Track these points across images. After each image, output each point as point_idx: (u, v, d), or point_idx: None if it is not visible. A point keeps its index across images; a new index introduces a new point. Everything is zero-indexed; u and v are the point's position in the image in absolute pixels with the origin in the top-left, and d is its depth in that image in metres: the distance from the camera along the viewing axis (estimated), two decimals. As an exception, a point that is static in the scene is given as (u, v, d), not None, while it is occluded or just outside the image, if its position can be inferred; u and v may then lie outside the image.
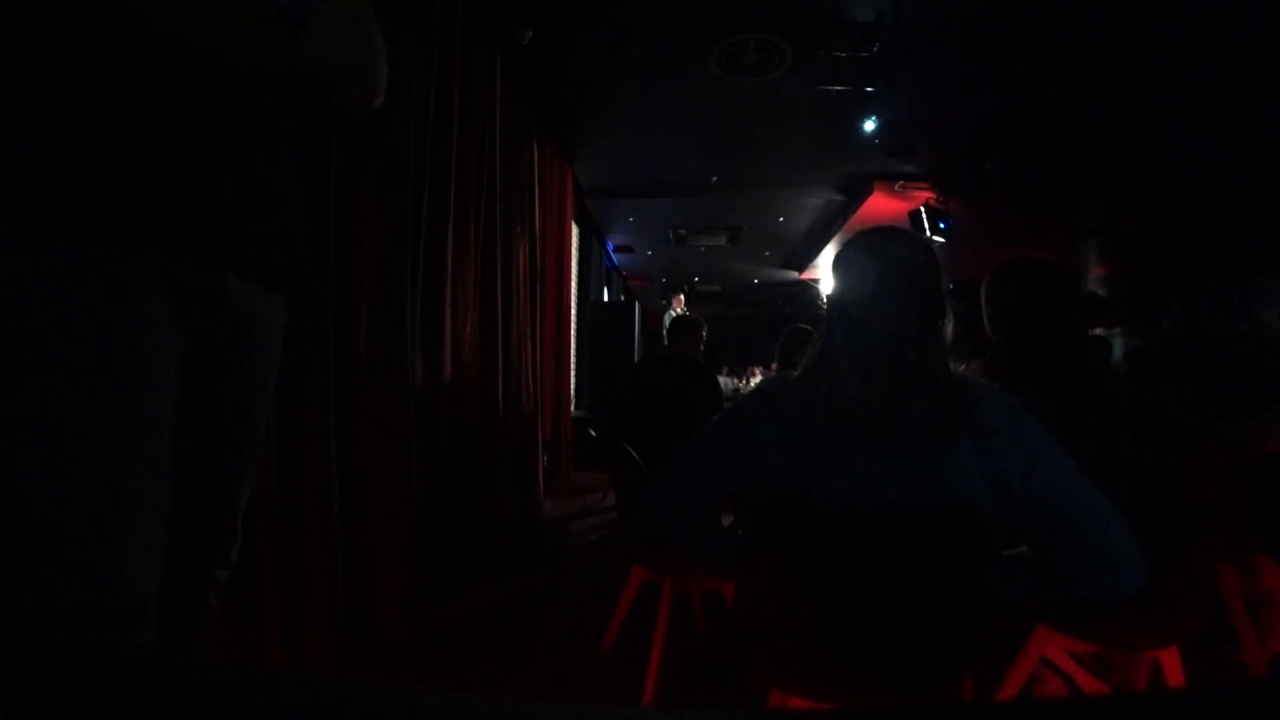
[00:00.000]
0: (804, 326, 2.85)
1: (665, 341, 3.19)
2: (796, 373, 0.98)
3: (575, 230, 5.78)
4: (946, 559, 0.89)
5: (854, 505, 0.87)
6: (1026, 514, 0.87)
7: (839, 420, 0.88)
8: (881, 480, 0.87)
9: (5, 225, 0.66)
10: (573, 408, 5.52)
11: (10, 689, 0.29)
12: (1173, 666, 1.27)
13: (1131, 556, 0.84)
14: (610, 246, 8.29)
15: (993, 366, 1.46)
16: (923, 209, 5.56)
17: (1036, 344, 1.40)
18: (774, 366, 3.14)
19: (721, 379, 6.77)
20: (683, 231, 7.41)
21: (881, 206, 5.81)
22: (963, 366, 1.02)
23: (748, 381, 7.30)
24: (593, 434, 4.13)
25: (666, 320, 6.36)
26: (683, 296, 6.99)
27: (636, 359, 5.66)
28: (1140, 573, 0.85)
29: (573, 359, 5.81)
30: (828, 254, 7.97)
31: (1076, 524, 0.85)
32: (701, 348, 3.18)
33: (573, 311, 5.59)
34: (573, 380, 5.82)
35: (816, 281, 9.80)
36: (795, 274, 9.75)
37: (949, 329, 0.92)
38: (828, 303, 0.97)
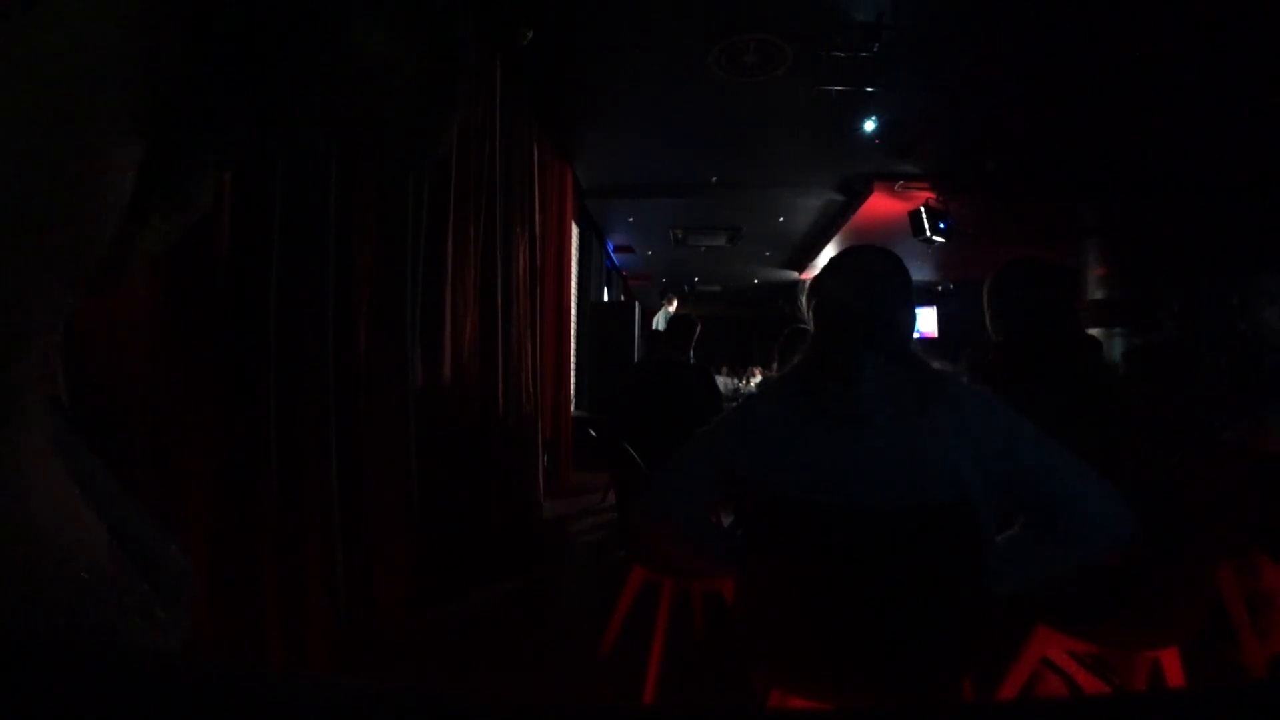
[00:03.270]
0: (804, 326, 2.84)
1: (664, 341, 3.19)
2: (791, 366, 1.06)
3: (575, 230, 5.78)
4: (943, 557, 0.89)
5: (849, 488, 0.91)
6: (1016, 485, 0.92)
7: (829, 395, 0.96)
8: (872, 451, 0.92)
9: None
10: (573, 408, 5.52)
11: (10, 689, 0.29)
12: (1173, 666, 1.27)
13: (1118, 506, 0.91)
14: (610, 246, 8.29)
15: (993, 366, 1.46)
16: (923, 209, 5.56)
17: (1038, 343, 1.40)
18: (774, 366, 3.14)
19: (721, 379, 6.78)
20: (682, 232, 7.41)
21: (881, 206, 5.81)
22: (951, 365, 1.09)
23: (748, 381, 7.30)
24: (593, 434, 4.12)
25: (658, 321, 6.37)
26: (676, 299, 7.01)
27: (636, 359, 5.66)
28: (1127, 521, 0.90)
29: (573, 359, 5.81)
30: (828, 254, 7.97)
31: (1064, 486, 0.91)
32: (693, 344, 3.21)
33: (573, 311, 5.59)
34: (573, 380, 5.82)
35: (816, 282, 9.79)
36: (795, 274, 9.76)
37: (916, 321, 1.05)
38: (814, 310, 1.09)
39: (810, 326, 1.10)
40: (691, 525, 1.08)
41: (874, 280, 1.03)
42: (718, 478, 1.03)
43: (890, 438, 0.92)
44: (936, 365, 1.02)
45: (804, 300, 1.13)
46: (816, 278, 1.09)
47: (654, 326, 6.12)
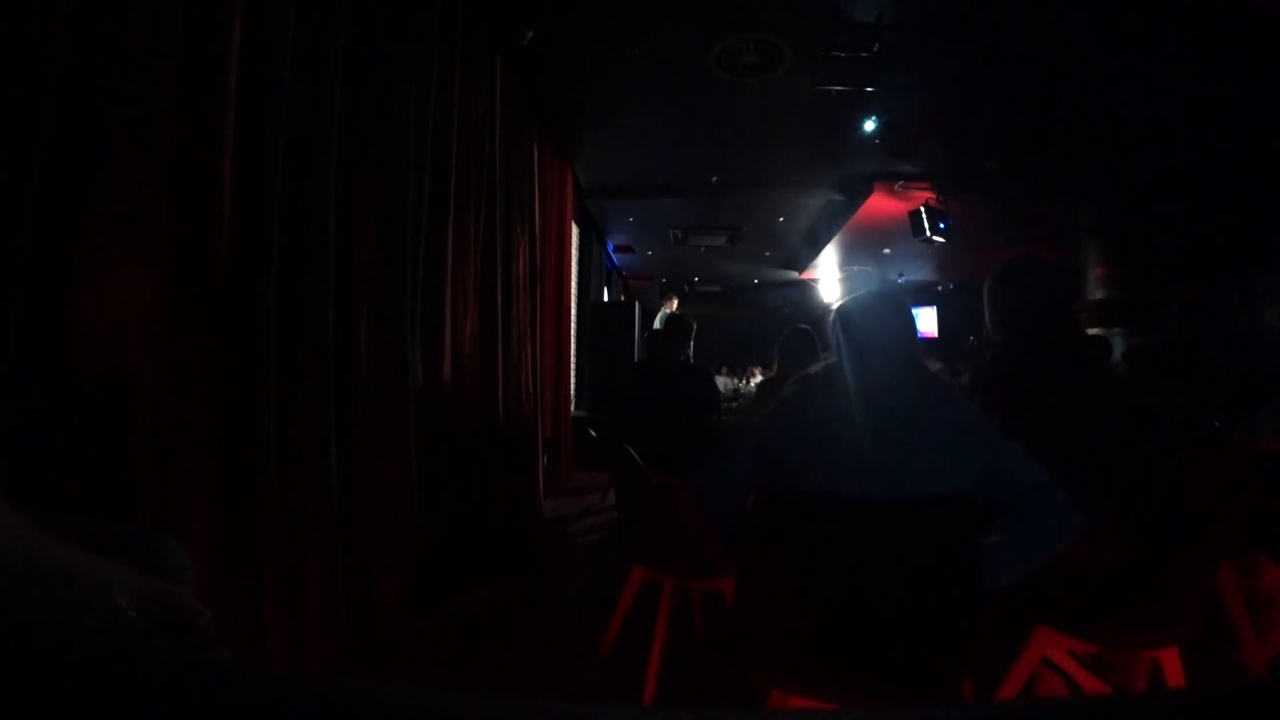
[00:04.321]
0: (804, 327, 2.85)
1: (660, 341, 3.20)
2: (818, 366, 1.22)
3: (575, 230, 5.78)
4: (942, 550, 0.89)
5: (858, 469, 1.01)
6: (984, 484, 1.05)
7: (841, 375, 1.14)
8: (884, 419, 1.06)
9: None
10: (573, 408, 5.51)
11: (11, 689, 0.29)
12: (1173, 666, 1.27)
13: (1066, 503, 1.05)
14: (610, 246, 8.29)
15: (993, 366, 1.46)
16: (923, 209, 5.56)
17: (1038, 343, 1.40)
18: (774, 367, 3.15)
19: (721, 379, 6.78)
20: (682, 232, 7.41)
21: (881, 206, 5.81)
22: (940, 367, 1.15)
23: (748, 381, 7.31)
24: (593, 434, 4.12)
25: (658, 322, 6.38)
26: (675, 300, 7.01)
27: (636, 359, 5.66)
28: (1075, 514, 1.05)
29: (573, 359, 5.81)
30: (828, 254, 7.96)
31: (1022, 487, 1.06)
32: (691, 345, 3.23)
33: (573, 311, 5.58)
34: (573, 380, 5.82)
35: (816, 281, 9.80)
36: (795, 274, 9.75)
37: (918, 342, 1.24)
38: (837, 339, 1.23)
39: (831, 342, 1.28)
40: (732, 509, 1.20)
41: (882, 318, 1.21)
42: (757, 463, 1.18)
43: (895, 410, 1.07)
44: (936, 368, 1.12)
45: (829, 328, 1.28)
46: (836, 315, 1.26)
47: (655, 326, 6.12)
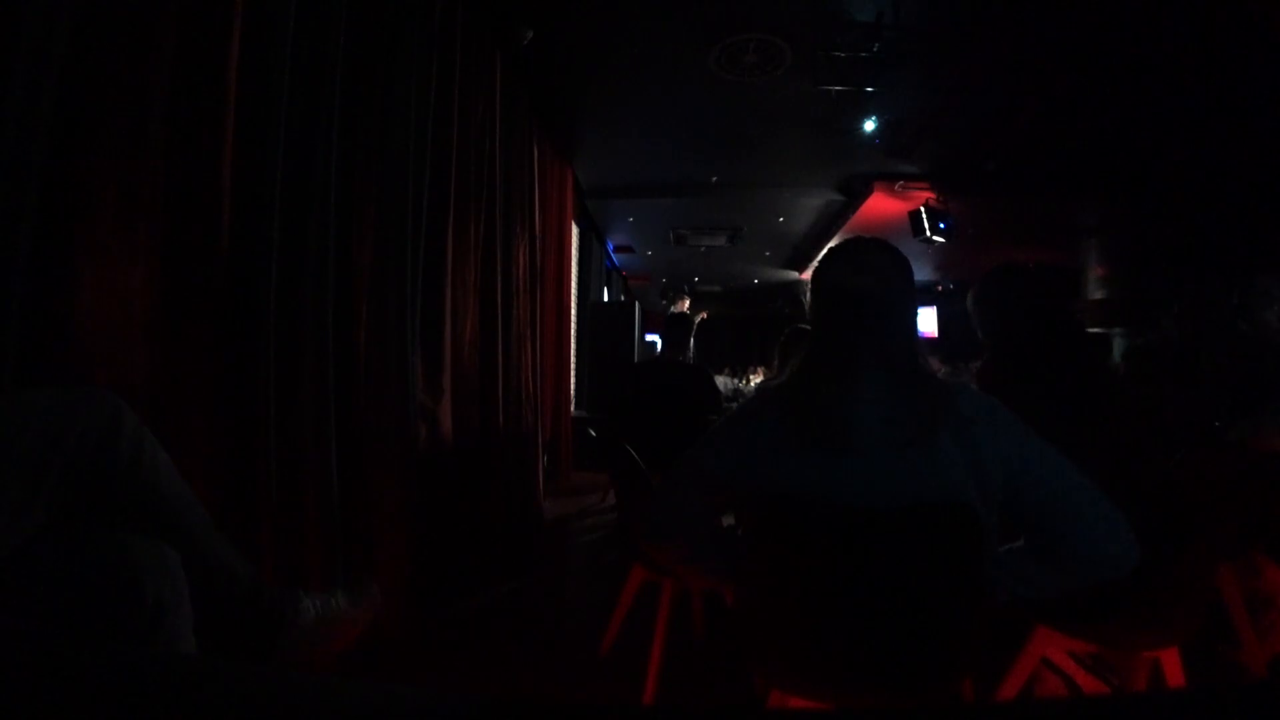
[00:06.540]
0: (804, 326, 2.85)
1: (660, 341, 3.21)
2: (787, 374, 1.01)
3: (575, 230, 5.77)
4: (943, 557, 0.89)
5: (850, 506, 0.89)
6: (1019, 504, 0.90)
7: (827, 423, 0.92)
8: (871, 478, 0.89)
9: None
10: (573, 408, 5.51)
11: (12, 689, 0.29)
12: (1173, 666, 1.27)
13: (1122, 536, 0.87)
14: (610, 246, 8.29)
15: (983, 371, 1.46)
16: (923, 209, 5.56)
17: (1026, 347, 1.41)
18: (774, 366, 3.15)
19: (721, 379, 6.78)
20: (683, 231, 7.40)
21: (881, 206, 5.80)
22: (943, 370, 1.06)
23: (747, 381, 7.30)
24: (593, 434, 4.12)
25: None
26: (687, 300, 7.00)
27: (636, 359, 5.66)
28: (1132, 551, 0.87)
29: (573, 359, 5.81)
30: (827, 254, 7.95)
31: (1068, 508, 0.88)
32: (691, 342, 3.24)
33: (573, 311, 5.58)
34: (573, 380, 5.82)
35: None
36: (795, 274, 9.76)
37: (918, 316, 1.00)
38: (814, 302, 1.01)
39: (810, 322, 1.04)
40: (694, 540, 1.08)
41: (876, 266, 0.96)
42: (713, 491, 1.04)
43: (887, 465, 0.89)
44: (942, 373, 1.00)
45: (806, 296, 1.05)
46: (817, 268, 1.02)
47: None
